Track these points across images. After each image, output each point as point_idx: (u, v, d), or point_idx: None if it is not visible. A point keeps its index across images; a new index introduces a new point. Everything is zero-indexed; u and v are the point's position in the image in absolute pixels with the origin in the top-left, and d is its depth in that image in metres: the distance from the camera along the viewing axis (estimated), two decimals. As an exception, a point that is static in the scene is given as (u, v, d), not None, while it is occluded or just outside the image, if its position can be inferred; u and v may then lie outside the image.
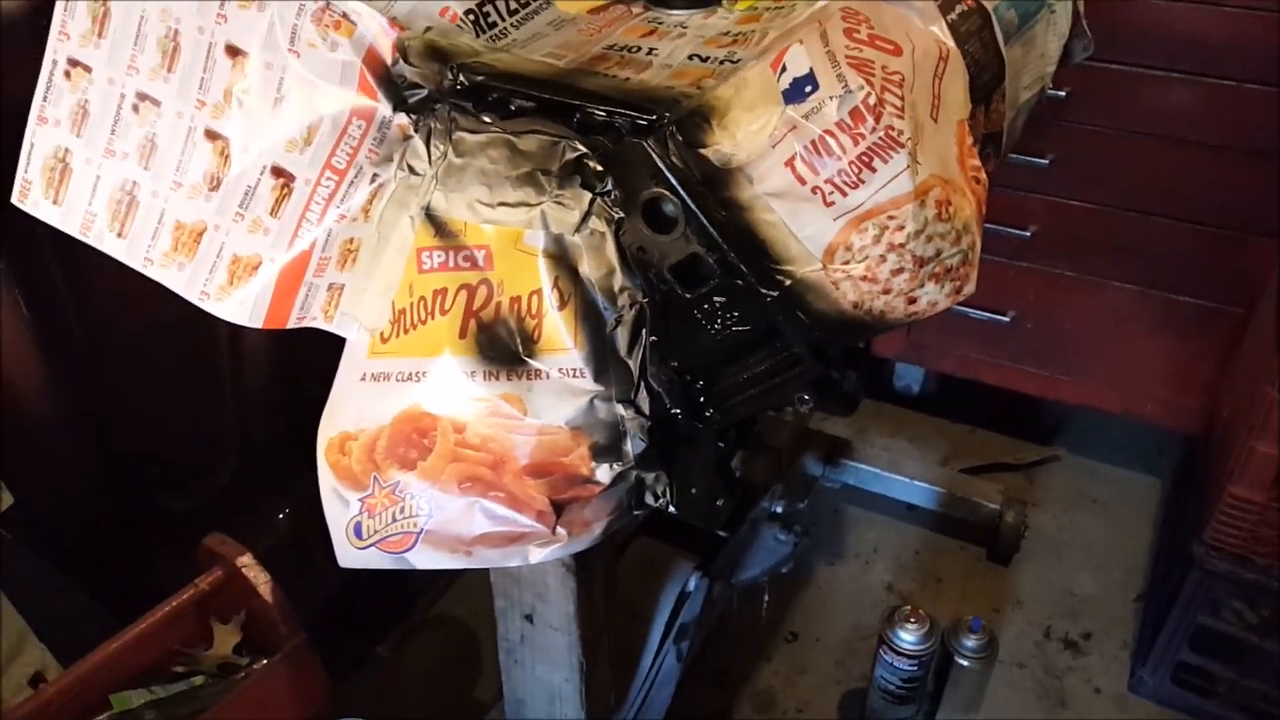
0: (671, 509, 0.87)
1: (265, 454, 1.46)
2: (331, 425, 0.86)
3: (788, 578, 1.49)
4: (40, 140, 0.81)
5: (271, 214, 0.80)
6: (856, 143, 0.61)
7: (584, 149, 0.70)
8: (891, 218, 0.62)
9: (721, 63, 0.76)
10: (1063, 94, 1.57)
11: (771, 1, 0.91)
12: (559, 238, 0.75)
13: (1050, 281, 1.77)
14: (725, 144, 0.63)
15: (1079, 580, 1.80)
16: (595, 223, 0.74)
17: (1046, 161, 1.65)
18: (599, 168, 0.70)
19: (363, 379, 0.85)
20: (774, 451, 1.67)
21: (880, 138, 0.61)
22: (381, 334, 0.84)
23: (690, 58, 0.77)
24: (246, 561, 1.04)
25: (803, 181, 0.63)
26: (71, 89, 0.80)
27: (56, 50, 0.79)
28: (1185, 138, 1.57)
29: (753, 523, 1.42)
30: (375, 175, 0.79)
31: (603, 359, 0.79)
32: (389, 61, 0.76)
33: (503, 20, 0.81)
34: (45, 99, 0.80)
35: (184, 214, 0.81)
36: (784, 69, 0.62)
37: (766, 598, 1.49)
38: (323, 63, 0.75)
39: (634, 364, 0.79)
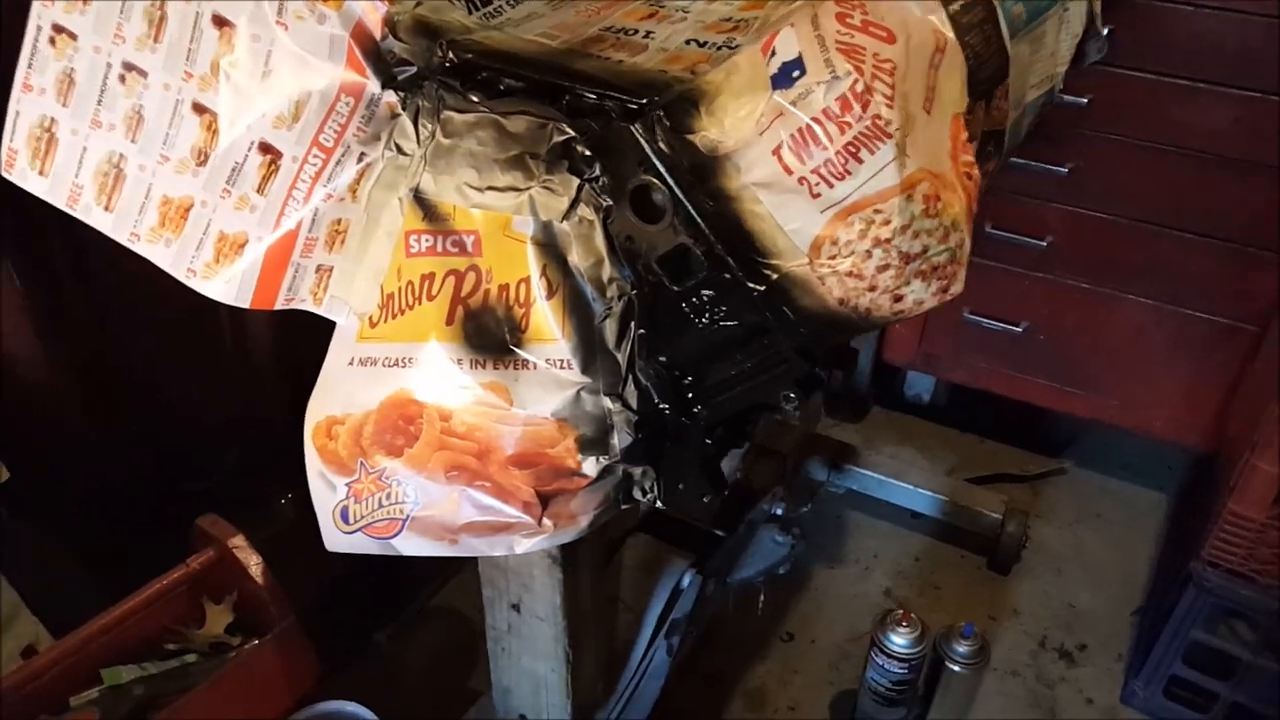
0: (659, 504, 0.85)
1: (272, 436, 1.45)
2: (319, 409, 0.85)
3: (786, 579, 1.47)
4: (26, 108, 0.80)
5: (258, 191, 0.79)
6: (843, 131, 0.59)
7: (572, 132, 0.68)
8: (878, 211, 0.60)
9: (719, 48, 0.74)
10: (1084, 101, 1.53)
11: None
12: (547, 225, 0.74)
13: (1065, 293, 1.73)
14: (713, 130, 0.61)
15: (1078, 593, 1.77)
16: (584, 210, 0.72)
17: (1065, 170, 1.61)
18: (587, 152, 0.68)
19: (351, 363, 0.83)
20: (778, 456, 1.65)
21: (867, 127, 0.59)
22: (370, 318, 0.83)
23: (688, 42, 0.75)
24: (238, 543, 1.03)
25: (790, 171, 0.60)
26: (57, 56, 0.78)
27: (40, 15, 0.77)
28: (1208, 151, 1.53)
29: (751, 524, 1.40)
30: (363, 154, 0.77)
31: (591, 351, 0.77)
32: (378, 36, 0.74)
33: (498, -1, 0.79)
34: (30, 65, 0.79)
35: (171, 189, 0.80)
36: (773, 53, 0.60)
37: (762, 598, 1.47)
38: (311, 36, 0.74)
39: (622, 357, 0.77)
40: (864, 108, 0.59)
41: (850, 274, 0.62)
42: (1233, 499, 1.24)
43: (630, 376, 0.78)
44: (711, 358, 0.75)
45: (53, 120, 0.80)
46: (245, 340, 1.43)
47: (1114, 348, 1.76)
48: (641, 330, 0.75)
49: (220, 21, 0.74)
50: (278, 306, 0.83)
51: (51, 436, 1.16)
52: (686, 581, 1.21)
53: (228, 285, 0.81)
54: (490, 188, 0.74)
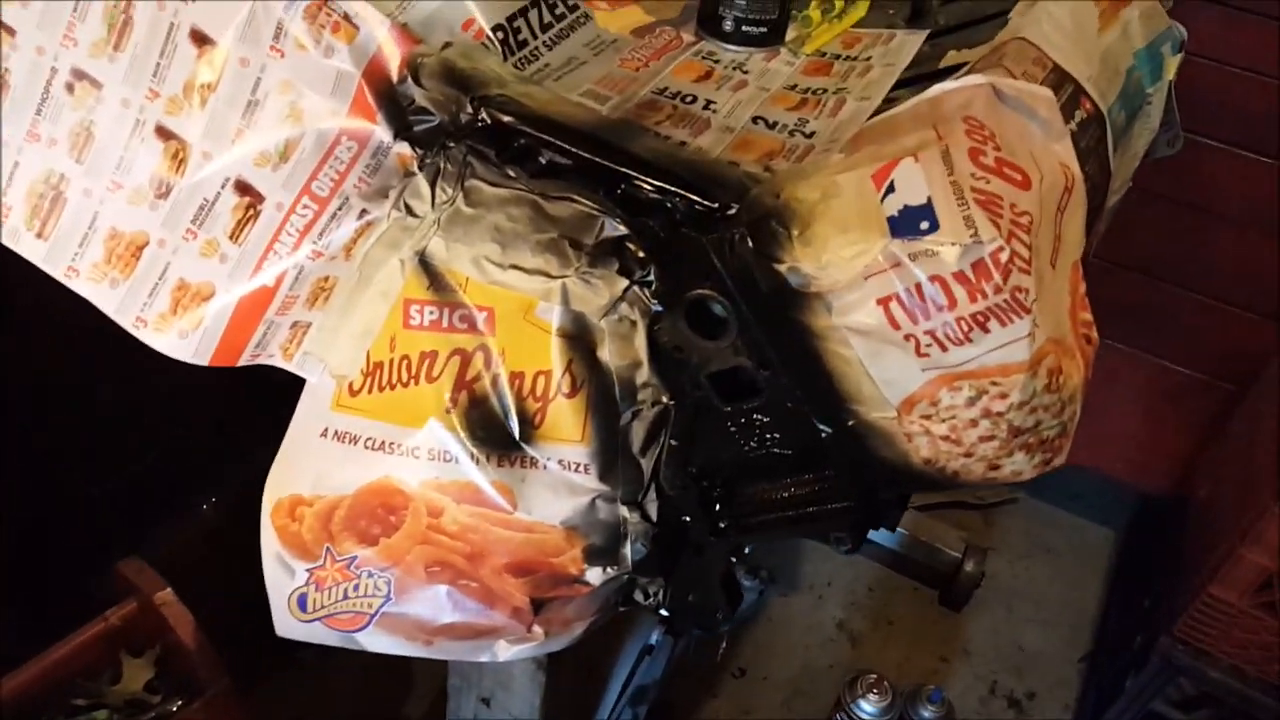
0: (662, 611, 0.77)
1: (191, 438, 1.32)
2: (282, 484, 0.74)
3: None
4: (-54, 112, 0.65)
5: (231, 238, 0.66)
6: (974, 299, 0.50)
7: (627, 230, 0.58)
8: (995, 384, 0.52)
9: (792, 132, 0.64)
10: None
11: (842, 46, 0.80)
12: (579, 317, 0.63)
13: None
14: (806, 263, 0.52)
15: (1028, 634, 1.78)
16: (626, 309, 0.62)
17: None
18: (642, 254, 0.58)
19: (324, 434, 0.72)
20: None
21: (1005, 300, 0.50)
22: (351, 385, 0.71)
23: (755, 121, 0.65)
24: (165, 598, 0.91)
25: (896, 326, 0.52)
26: (-12, 55, 0.64)
27: (-29, 5, 0.63)
28: (1207, 207, 1.50)
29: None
30: (364, 211, 0.65)
31: (612, 455, 0.68)
32: (395, 78, 0.62)
33: (535, 38, 0.67)
34: (-47, 63, 0.64)
35: (122, 221, 0.67)
36: (891, 188, 0.51)
37: (724, 644, 1.42)
38: (312, 68, 0.61)
39: (646, 464, 0.68)
40: (1004, 277, 0.50)
41: (946, 438, 0.54)
42: (1214, 583, 1.23)
43: (653, 485, 0.69)
44: (753, 477, 0.66)
45: (-23, 128, 0.66)
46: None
47: (1086, 389, 1.74)
48: (674, 441, 0.66)
49: (200, 38, 0.61)
50: (241, 363, 0.71)
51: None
52: (656, 640, 1.14)
53: (184, 341, 0.68)
54: (515, 266, 0.64)
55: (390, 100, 0.62)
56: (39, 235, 0.68)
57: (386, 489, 0.71)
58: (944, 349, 0.52)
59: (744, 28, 0.77)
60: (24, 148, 0.66)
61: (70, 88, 0.64)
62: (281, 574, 0.75)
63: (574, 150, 0.59)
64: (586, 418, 0.66)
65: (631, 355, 0.64)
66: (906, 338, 0.52)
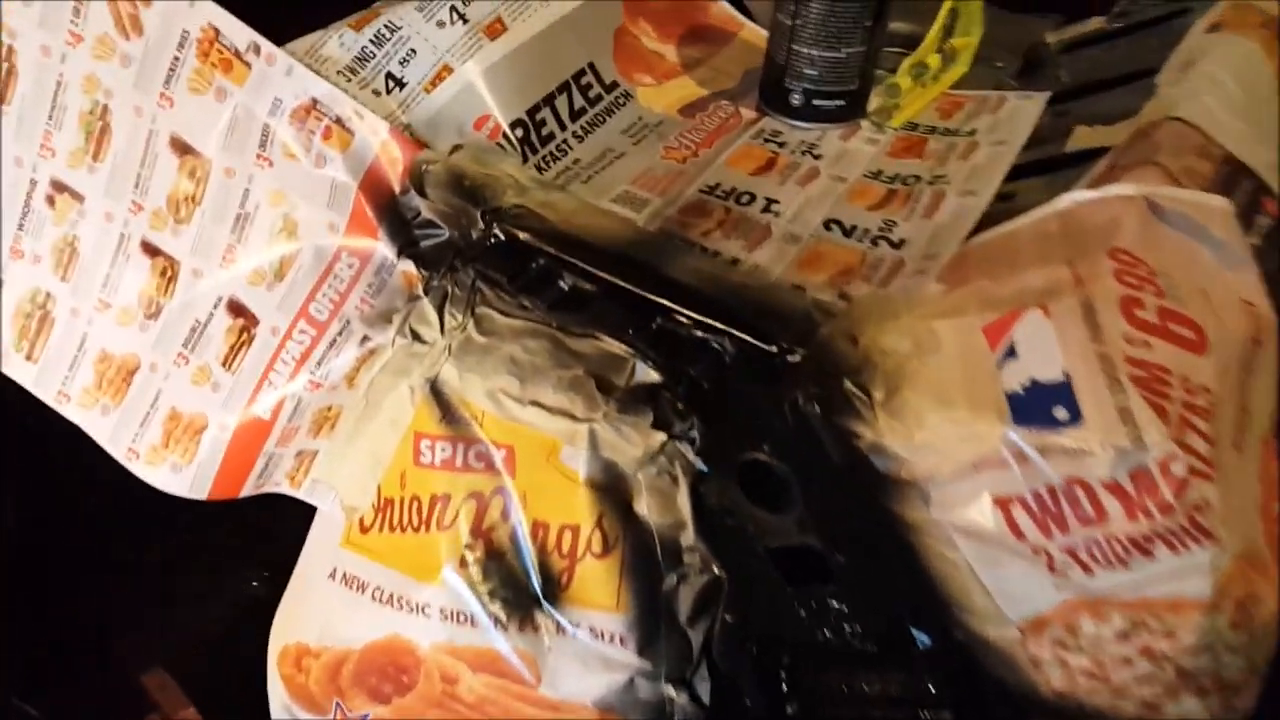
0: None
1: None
2: (288, 630, 0.65)
3: None
4: (-74, 226, 0.60)
5: (224, 364, 0.59)
6: (1133, 518, 0.37)
7: (662, 378, 0.47)
8: (1160, 620, 0.39)
9: (875, 239, 0.52)
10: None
11: (938, 115, 0.67)
12: (610, 465, 0.53)
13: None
14: (894, 441, 0.40)
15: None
16: (665, 463, 0.51)
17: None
18: (681, 405, 0.47)
19: (332, 576, 0.63)
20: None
21: (1178, 525, 0.37)
22: (363, 520, 0.62)
23: (828, 225, 0.53)
24: (190, 717, 0.85)
25: (1020, 535, 0.39)
26: (-38, 166, 0.58)
27: (-59, 110, 0.57)
28: None
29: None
30: (366, 337, 0.56)
31: (653, 626, 0.56)
32: (397, 189, 0.53)
33: (562, 130, 0.58)
34: (-69, 176, 0.59)
35: (112, 343, 0.60)
36: (1011, 351, 0.38)
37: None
38: (304, 178, 0.53)
39: (695, 636, 0.57)
40: (1177, 493, 0.37)
41: (1088, 673, 0.41)
42: None
43: (705, 662, 0.57)
44: (827, 664, 0.54)
45: (-41, 244, 0.60)
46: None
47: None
48: (729, 617, 0.54)
49: (181, 147, 0.54)
50: (244, 495, 0.63)
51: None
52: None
53: (177, 476, 0.61)
54: (536, 404, 0.53)
55: (392, 213, 0.53)
56: (28, 358, 0.62)
57: (395, 648, 0.61)
58: (1088, 571, 0.38)
59: (815, 101, 0.65)
60: (8, 265, 0.60)
61: (51, 200, 0.58)
62: (290, 728, 0.67)
63: (600, 274, 0.49)
64: (621, 582, 0.55)
65: (674, 514, 0.53)
66: (1035, 550, 0.39)
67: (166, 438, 0.61)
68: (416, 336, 0.55)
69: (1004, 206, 0.52)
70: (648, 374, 0.47)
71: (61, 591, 1.02)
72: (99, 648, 0.98)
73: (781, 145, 0.62)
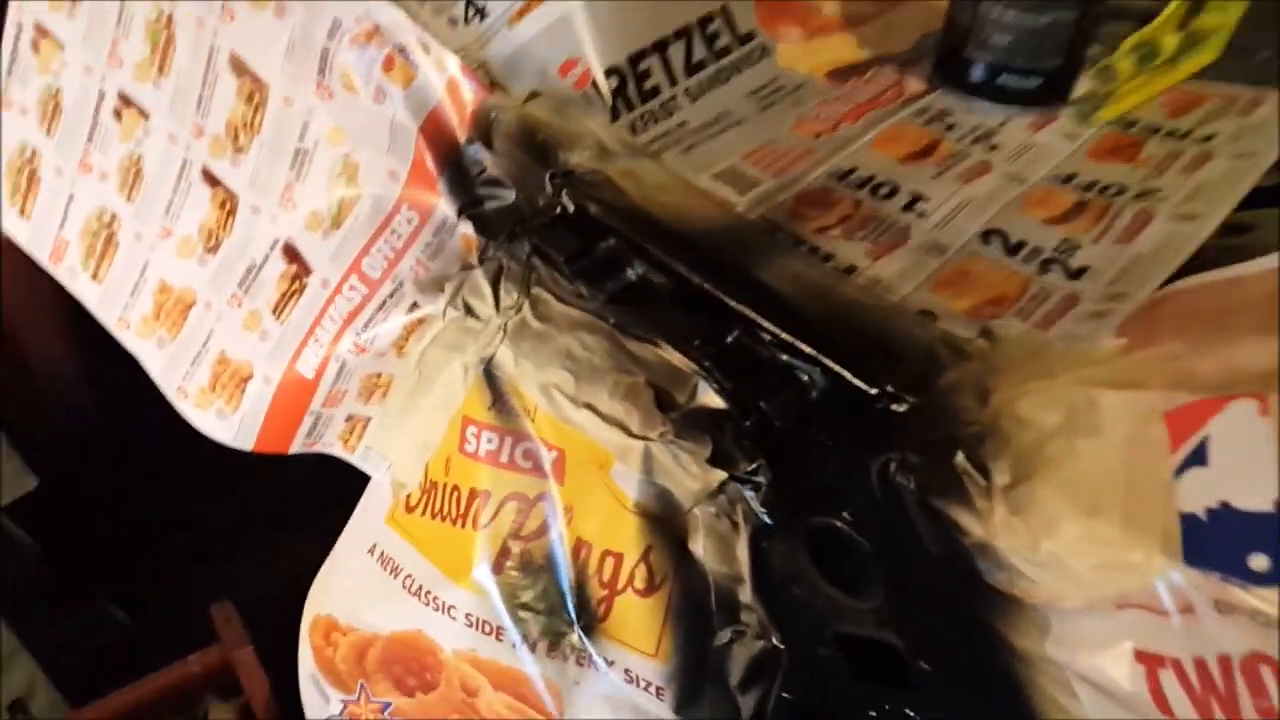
0: None
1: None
2: (322, 600, 0.61)
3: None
4: (7, 128, 0.58)
5: (274, 312, 0.54)
6: None
7: (725, 405, 0.37)
8: None
9: (1046, 263, 0.41)
10: None
11: (1167, 112, 0.53)
12: (665, 494, 0.44)
13: None
14: (1010, 547, 0.29)
15: None
16: (725, 504, 0.42)
17: None
18: (746, 442, 0.38)
19: (370, 551, 0.58)
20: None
21: None
22: (409, 499, 0.57)
23: (988, 237, 0.42)
24: (243, 659, 0.84)
25: (1166, 708, 0.28)
26: (40, 68, 0.55)
27: (22, 9, 0.54)
28: None
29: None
30: (416, 304, 0.50)
31: (695, 683, 0.48)
32: (461, 137, 0.45)
33: (671, 85, 0.48)
34: (9, 73, 0.56)
35: (172, 274, 0.56)
36: (1199, 455, 0.26)
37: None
38: (364, 116, 0.46)
39: (746, 706, 0.48)
40: None
41: None
42: None
43: (753, 734, 0.48)
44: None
45: (35, 151, 0.57)
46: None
47: None
48: (787, 695, 0.45)
49: (240, 68, 0.48)
50: (293, 451, 0.59)
51: (75, 437, 0.99)
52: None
53: (222, 422, 0.57)
54: (589, 406, 0.45)
55: (455, 166, 0.46)
56: (94, 277, 0.59)
57: (419, 644, 0.56)
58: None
59: (1003, 78, 0.53)
60: (78, 180, 0.57)
61: (118, 114, 0.54)
62: (317, 696, 0.63)
63: (675, 267, 0.40)
64: (665, 627, 0.47)
65: (734, 565, 0.43)
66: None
67: (214, 381, 0.57)
68: (470, 311, 0.48)
69: (1233, 242, 0.39)
70: (711, 396, 0.38)
71: (163, 510, 1.04)
72: (185, 570, 1.00)
73: (949, 129, 0.50)
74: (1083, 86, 0.52)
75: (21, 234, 0.60)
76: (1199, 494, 0.26)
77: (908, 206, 0.43)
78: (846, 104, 0.51)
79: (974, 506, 0.30)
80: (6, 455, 0.92)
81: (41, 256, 0.60)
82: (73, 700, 0.92)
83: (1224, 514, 0.25)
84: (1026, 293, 0.38)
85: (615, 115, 0.46)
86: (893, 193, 0.44)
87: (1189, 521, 0.26)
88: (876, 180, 0.45)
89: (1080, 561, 0.28)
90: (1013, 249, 0.41)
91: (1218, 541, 0.25)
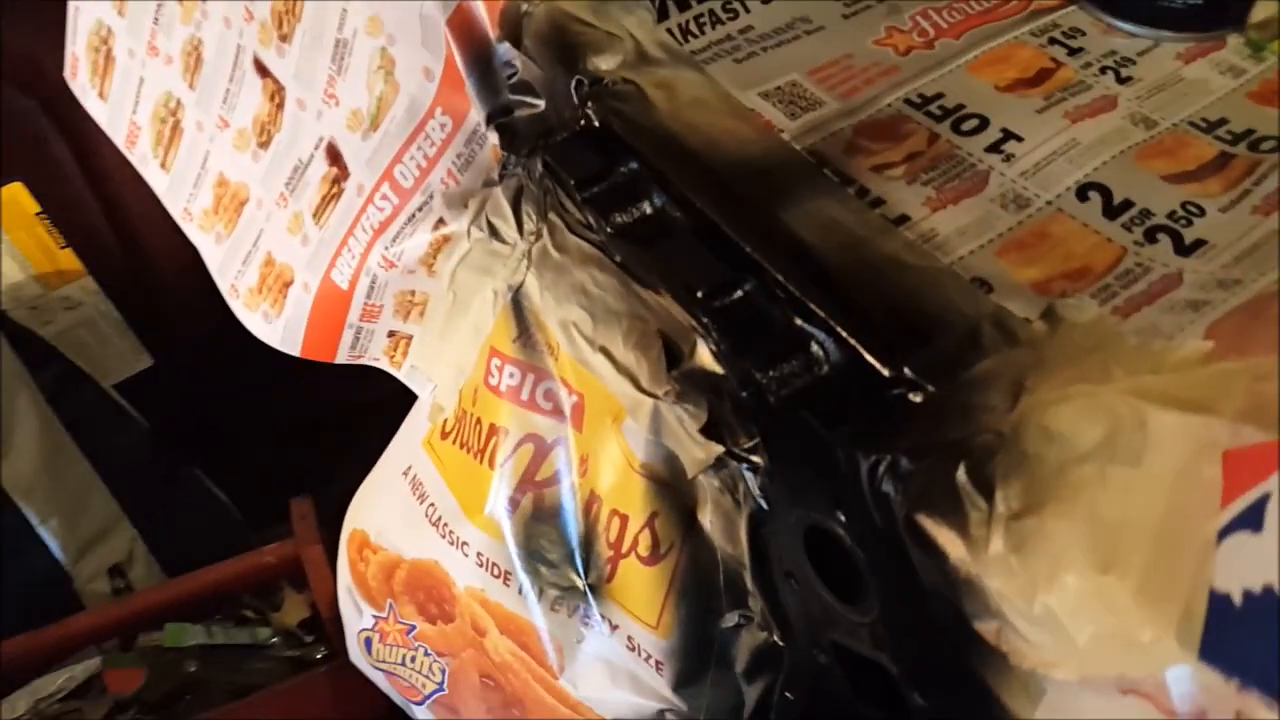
0: None
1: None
2: (359, 514, 0.61)
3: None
4: (84, 7, 0.57)
5: (315, 217, 0.51)
6: None
7: (722, 370, 0.32)
8: None
9: (1153, 231, 0.32)
10: None
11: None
12: (672, 458, 0.39)
13: None
14: (1000, 588, 0.23)
15: None
16: (727, 478, 0.36)
17: None
18: (745, 416, 0.32)
19: (405, 473, 0.57)
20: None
21: None
22: (444, 424, 0.54)
23: (1083, 193, 0.34)
24: (313, 556, 0.86)
25: None
26: (110, -51, 0.54)
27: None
28: None
29: None
30: (441, 220, 0.46)
31: (697, 664, 0.44)
32: (491, 35, 0.40)
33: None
34: (85, -45, 0.55)
35: (229, 167, 0.55)
36: (1255, 514, 0.18)
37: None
38: (397, 5, 0.42)
39: (751, 695, 0.43)
40: None
41: None
42: None
43: (755, 726, 0.44)
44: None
45: (109, 30, 0.57)
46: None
47: None
48: (790, 695, 0.40)
49: (277, -52, 0.45)
50: (340, 361, 0.57)
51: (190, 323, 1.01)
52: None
53: (269, 326, 0.56)
54: (605, 351, 0.41)
55: (485, 67, 0.41)
56: (162, 166, 0.59)
57: (436, 575, 0.54)
58: None
59: (1165, -4, 0.43)
60: (147, 62, 0.56)
61: (180, -4, 0.52)
62: (351, 609, 0.63)
63: (695, 201, 0.34)
64: (666, 601, 0.43)
65: (737, 546, 0.38)
66: None
67: (261, 283, 0.56)
68: (495, 232, 0.44)
69: None
70: (708, 357, 0.33)
71: (270, 400, 1.08)
72: (284, 460, 1.03)
73: (1075, 52, 0.41)
74: (1263, 12, 0.41)
75: (102, 116, 0.60)
76: (1241, 569, 0.18)
77: (993, 147, 0.35)
78: (954, 15, 0.42)
79: (966, 532, 0.23)
80: (123, 334, 0.97)
81: (119, 140, 0.60)
82: (168, 571, 0.97)
83: (1265, 602, 0.18)
84: (1118, 266, 0.30)
85: (664, 14, 0.39)
86: (980, 127, 0.36)
87: (1219, 603, 0.19)
88: (964, 111, 0.37)
89: (1079, 627, 0.21)
90: (1113, 209, 0.32)
91: (1250, 637, 0.18)
